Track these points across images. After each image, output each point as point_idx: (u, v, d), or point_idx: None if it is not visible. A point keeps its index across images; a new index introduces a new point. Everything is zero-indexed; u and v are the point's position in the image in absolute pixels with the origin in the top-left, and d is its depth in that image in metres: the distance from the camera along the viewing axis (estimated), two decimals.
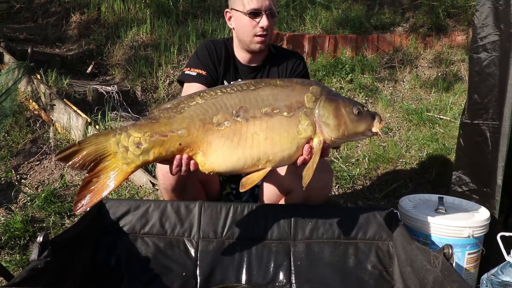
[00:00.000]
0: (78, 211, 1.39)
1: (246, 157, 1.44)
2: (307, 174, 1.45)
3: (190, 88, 1.93)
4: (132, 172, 1.45)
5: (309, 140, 1.47)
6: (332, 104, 1.48)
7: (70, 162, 1.39)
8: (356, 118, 1.47)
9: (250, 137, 1.43)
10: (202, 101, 1.45)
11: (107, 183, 1.41)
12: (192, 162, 1.45)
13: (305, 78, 2.07)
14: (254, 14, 1.88)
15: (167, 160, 1.47)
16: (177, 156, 1.44)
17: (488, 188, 2.12)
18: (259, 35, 1.91)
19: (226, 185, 2.14)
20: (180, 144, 1.43)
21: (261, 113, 1.44)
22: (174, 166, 1.45)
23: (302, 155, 1.47)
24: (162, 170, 1.81)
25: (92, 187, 1.40)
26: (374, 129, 1.49)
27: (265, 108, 1.45)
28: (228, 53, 2.05)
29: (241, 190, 1.49)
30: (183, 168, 1.45)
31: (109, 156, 1.42)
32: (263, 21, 1.88)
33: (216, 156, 1.44)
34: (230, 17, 2.00)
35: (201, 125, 1.43)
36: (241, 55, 2.05)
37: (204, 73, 1.97)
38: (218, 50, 2.02)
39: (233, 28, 2.01)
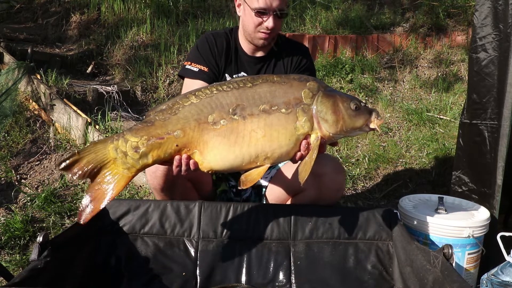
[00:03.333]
0: (83, 221, 1.39)
1: (243, 154, 1.44)
2: (304, 169, 1.46)
3: (192, 85, 1.91)
4: (133, 176, 1.46)
5: (306, 136, 1.47)
6: (330, 100, 1.48)
7: (72, 172, 1.40)
8: (354, 113, 1.48)
9: (248, 135, 1.43)
10: (197, 101, 1.45)
11: (110, 189, 1.42)
12: (191, 161, 1.45)
13: (310, 70, 2.07)
14: (260, 13, 1.86)
15: (166, 161, 1.47)
16: (177, 157, 1.44)
17: (487, 188, 2.12)
18: (263, 32, 1.90)
19: (220, 183, 2.13)
20: (177, 145, 1.43)
21: (259, 110, 1.44)
22: (174, 167, 1.45)
23: (299, 151, 1.47)
24: (149, 170, 1.79)
25: (95, 195, 1.41)
26: (372, 125, 1.50)
27: (263, 106, 1.45)
28: (229, 45, 2.02)
29: (241, 187, 1.49)
30: (183, 168, 1.45)
31: (109, 163, 1.43)
32: (269, 22, 1.86)
33: (213, 155, 1.44)
34: (239, 4, 1.96)
35: (196, 125, 1.43)
36: (246, 46, 2.02)
37: (206, 69, 1.96)
38: (218, 43, 2.00)
39: (240, 17, 1.98)
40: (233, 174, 2.07)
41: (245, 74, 2.03)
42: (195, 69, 1.96)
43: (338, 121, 1.46)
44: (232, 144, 1.43)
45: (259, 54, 2.04)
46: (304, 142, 1.46)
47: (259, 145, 1.43)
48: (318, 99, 1.47)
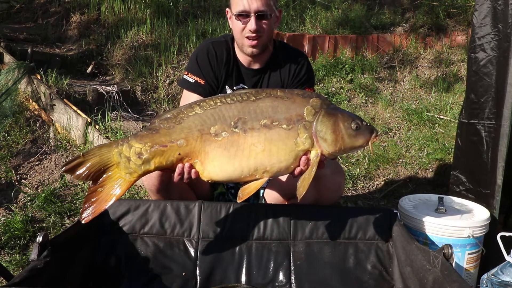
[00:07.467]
0: (84, 221, 1.43)
1: (242, 167, 1.47)
2: (302, 185, 1.48)
3: (189, 97, 1.92)
4: (135, 181, 1.49)
5: (306, 151, 1.49)
6: (330, 119, 1.49)
7: (75, 173, 1.44)
8: (354, 133, 1.49)
9: (248, 148, 1.46)
10: (201, 112, 1.48)
11: (112, 193, 1.46)
12: (193, 170, 1.48)
13: (308, 82, 2.05)
14: (242, 16, 1.84)
15: (168, 168, 1.50)
16: (179, 165, 1.48)
17: (483, 187, 2.12)
18: (248, 38, 1.87)
19: (219, 185, 2.14)
20: (179, 154, 1.47)
21: (260, 125, 1.46)
22: (176, 174, 1.49)
23: (299, 165, 1.49)
24: None
25: (97, 197, 1.44)
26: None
27: (264, 120, 1.47)
28: (229, 55, 2.00)
29: (238, 201, 1.52)
30: (185, 176, 1.49)
31: (112, 167, 1.47)
32: (251, 24, 1.83)
33: (213, 165, 1.47)
34: (230, 17, 1.96)
35: (199, 135, 1.46)
36: (242, 57, 2.01)
37: (202, 82, 1.96)
38: (219, 54, 1.98)
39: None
40: None
41: (244, 86, 2.03)
42: (192, 80, 1.97)
43: (337, 141, 1.48)
44: (232, 156, 1.46)
45: (256, 66, 2.02)
46: (304, 157, 1.48)
47: (258, 159, 1.46)
48: (319, 118, 1.48)
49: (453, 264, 1.44)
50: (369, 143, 1.51)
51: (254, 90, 1.53)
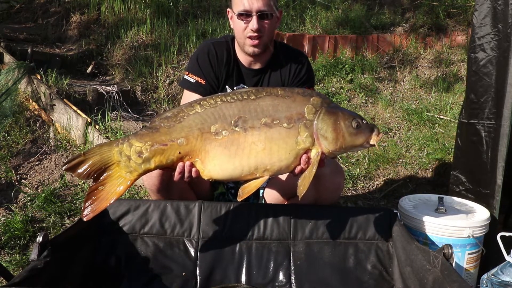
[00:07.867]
0: (85, 219, 1.44)
1: (243, 166, 1.47)
2: (303, 184, 1.48)
3: (189, 97, 1.92)
4: (135, 179, 1.50)
5: (307, 150, 1.49)
6: (331, 117, 1.49)
7: (76, 172, 1.45)
8: (355, 131, 1.49)
9: (248, 147, 1.46)
10: (201, 110, 1.48)
11: (112, 191, 1.46)
12: (194, 169, 1.49)
13: (309, 82, 2.06)
14: (244, 15, 1.85)
15: (168, 167, 1.51)
16: (180, 164, 1.48)
17: (482, 187, 2.12)
18: (250, 37, 1.88)
19: (219, 185, 2.14)
20: (179, 152, 1.47)
21: (261, 123, 1.46)
22: (176, 173, 1.49)
23: (299, 164, 1.49)
24: None
25: (98, 195, 1.45)
26: (371, 142, 1.52)
27: (264, 119, 1.47)
28: (230, 55, 2.01)
29: (238, 200, 1.52)
30: (186, 174, 1.49)
31: (112, 165, 1.47)
32: (253, 23, 1.84)
33: (213, 164, 1.48)
34: (231, 17, 1.97)
35: (199, 134, 1.47)
36: (243, 58, 2.01)
37: (203, 82, 1.96)
38: (219, 54, 1.99)
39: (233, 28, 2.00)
40: None
41: (244, 86, 2.03)
42: (192, 80, 1.97)
43: (337, 139, 1.48)
44: (232, 155, 1.46)
45: (257, 66, 2.02)
46: (304, 156, 1.49)
47: (259, 158, 1.46)
48: (320, 116, 1.49)
49: (453, 264, 1.44)
50: (375, 141, 1.51)
51: (255, 89, 1.53)
